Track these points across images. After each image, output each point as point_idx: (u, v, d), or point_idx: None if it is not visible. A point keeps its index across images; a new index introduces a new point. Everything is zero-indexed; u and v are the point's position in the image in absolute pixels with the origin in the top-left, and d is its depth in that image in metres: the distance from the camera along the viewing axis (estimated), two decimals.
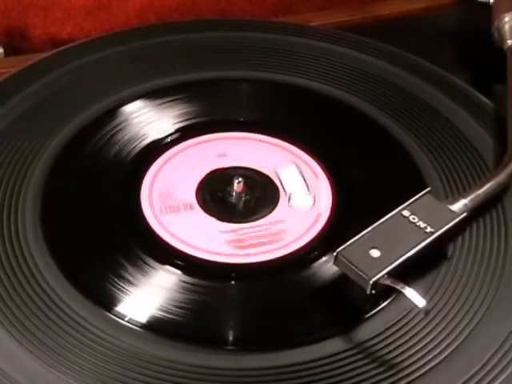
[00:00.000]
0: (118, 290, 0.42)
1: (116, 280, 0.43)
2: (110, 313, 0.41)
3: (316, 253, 0.45)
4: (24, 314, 0.40)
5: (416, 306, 0.38)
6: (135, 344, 0.40)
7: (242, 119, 0.54)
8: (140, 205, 0.47)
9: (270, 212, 0.48)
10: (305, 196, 0.48)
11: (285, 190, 0.49)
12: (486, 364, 0.39)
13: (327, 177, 0.50)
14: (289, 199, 0.48)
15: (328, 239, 0.46)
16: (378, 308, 0.42)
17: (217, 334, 0.41)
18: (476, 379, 0.39)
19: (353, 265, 0.40)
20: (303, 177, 0.49)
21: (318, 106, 0.55)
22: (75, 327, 0.40)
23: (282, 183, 0.49)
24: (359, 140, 0.53)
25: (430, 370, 0.39)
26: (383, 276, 0.40)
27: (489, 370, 0.39)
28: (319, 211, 0.48)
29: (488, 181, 0.46)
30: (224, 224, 0.47)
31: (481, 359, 0.39)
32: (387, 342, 0.40)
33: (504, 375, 0.39)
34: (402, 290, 0.39)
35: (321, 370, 0.39)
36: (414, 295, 0.38)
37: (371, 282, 0.39)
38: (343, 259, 0.40)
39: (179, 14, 0.70)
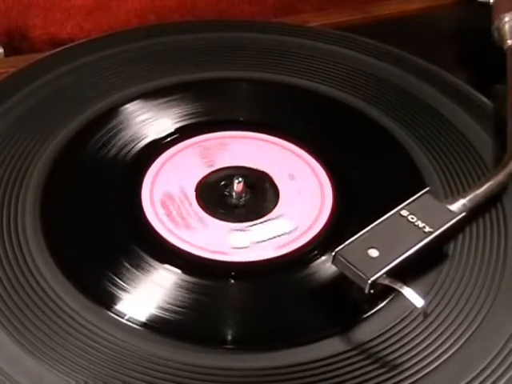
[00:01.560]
0: (118, 288, 0.42)
1: (115, 279, 0.43)
2: (110, 311, 0.41)
3: (316, 252, 0.45)
4: (23, 313, 0.40)
5: (414, 305, 0.38)
6: (135, 343, 0.40)
7: (241, 119, 0.54)
8: (140, 204, 0.47)
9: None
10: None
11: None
12: (487, 366, 0.39)
13: (327, 176, 0.50)
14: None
15: (328, 239, 0.46)
16: (378, 308, 0.42)
17: (216, 334, 0.41)
18: (477, 381, 0.38)
19: (351, 264, 0.40)
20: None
21: (317, 106, 0.55)
22: (74, 326, 0.40)
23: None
24: (359, 140, 0.53)
25: (430, 371, 0.39)
26: (382, 276, 0.40)
27: (490, 372, 0.39)
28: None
29: (487, 181, 0.46)
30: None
31: (482, 361, 0.39)
32: (387, 342, 0.40)
33: (506, 377, 0.39)
34: (401, 290, 0.39)
35: (321, 370, 0.39)
36: (412, 295, 0.38)
37: (369, 282, 0.39)
38: (341, 259, 0.40)
39: (179, 14, 0.70)
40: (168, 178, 0.49)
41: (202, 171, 0.50)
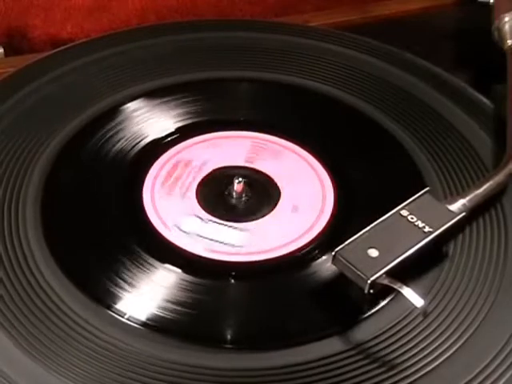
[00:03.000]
0: (118, 287, 0.42)
1: (116, 278, 0.43)
2: (110, 310, 0.41)
3: (316, 252, 0.45)
4: (23, 314, 0.40)
5: (414, 305, 0.38)
6: (134, 342, 0.40)
7: (242, 119, 0.54)
8: (141, 203, 0.47)
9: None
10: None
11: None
12: (487, 366, 0.39)
13: (328, 177, 0.50)
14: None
15: (329, 238, 0.46)
16: (378, 308, 0.42)
17: (216, 333, 0.41)
18: (477, 381, 0.38)
19: (351, 264, 0.40)
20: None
21: (318, 106, 0.55)
22: (74, 326, 0.40)
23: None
24: (359, 140, 0.53)
25: (430, 371, 0.39)
26: (381, 276, 0.40)
27: (490, 372, 0.39)
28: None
29: (487, 181, 0.46)
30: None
31: (482, 361, 0.39)
32: (387, 342, 0.40)
33: (506, 377, 0.39)
34: (400, 290, 0.39)
35: (321, 370, 0.39)
36: (411, 295, 0.38)
37: (369, 282, 0.39)
38: (341, 259, 0.40)
39: (179, 14, 0.70)
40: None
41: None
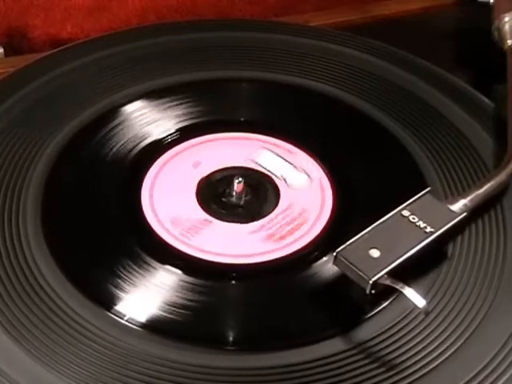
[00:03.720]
0: (118, 289, 0.42)
1: (116, 279, 0.43)
2: (110, 312, 0.41)
3: (317, 253, 0.45)
4: (23, 314, 0.40)
5: (416, 305, 0.38)
6: (134, 343, 0.40)
7: (242, 119, 0.54)
8: (141, 204, 0.47)
9: (278, 202, 0.48)
10: (296, 174, 0.48)
11: (276, 175, 0.49)
12: (487, 365, 0.39)
13: (327, 176, 0.50)
14: (285, 181, 0.48)
15: (329, 239, 0.46)
16: (379, 308, 0.42)
17: (217, 334, 0.41)
18: (477, 381, 0.38)
19: (352, 265, 0.40)
20: (282, 158, 0.50)
21: (318, 106, 0.55)
22: (74, 326, 0.40)
23: (269, 171, 0.49)
24: (359, 140, 0.53)
25: (430, 371, 0.39)
26: (383, 276, 0.40)
27: (490, 371, 0.39)
28: (321, 189, 0.48)
29: (488, 181, 0.46)
30: (230, 224, 0.47)
31: (482, 360, 0.39)
32: (387, 342, 0.40)
33: (505, 376, 0.39)
34: (402, 290, 0.39)
35: (321, 369, 0.39)
36: (413, 295, 0.38)
37: (371, 282, 0.39)
38: (343, 259, 0.40)
39: (179, 14, 0.70)
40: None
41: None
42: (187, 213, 0.47)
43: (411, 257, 0.41)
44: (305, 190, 0.49)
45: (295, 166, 0.49)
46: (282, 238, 0.46)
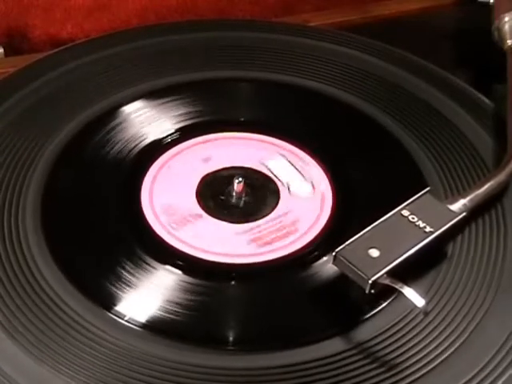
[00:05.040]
0: (118, 289, 0.42)
1: (116, 279, 0.43)
2: (110, 312, 0.41)
3: (317, 253, 0.45)
4: (23, 314, 0.40)
5: (415, 305, 0.38)
6: (135, 343, 0.40)
7: (242, 119, 0.54)
8: (140, 204, 0.47)
9: (276, 206, 0.48)
10: (302, 183, 0.48)
11: (281, 181, 0.49)
12: (486, 365, 0.39)
13: (327, 176, 0.50)
14: (288, 189, 0.48)
15: (328, 239, 0.46)
16: (379, 308, 0.42)
17: (217, 334, 0.41)
18: (477, 380, 0.39)
19: (352, 264, 0.40)
20: (294, 166, 0.50)
21: (317, 106, 0.55)
22: (74, 327, 0.40)
23: (275, 175, 0.49)
24: (359, 140, 0.53)
25: (430, 370, 0.39)
26: (382, 276, 0.40)
27: (490, 370, 0.39)
28: (322, 201, 0.48)
29: (487, 181, 0.46)
30: (230, 224, 0.47)
31: (481, 360, 0.39)
32: (387, 342, 0.40)
33: (505, 376, 0.39)
34: (401, 290, 0.39)
35: (321, 369, 0.39)
36: (413, 295, 0.38)
37: (370, 282, 0.39)
38: (342, 259, 0.40)
39: (179, 13, 0.70)
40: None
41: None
42: (181, 204, 0.47)
43: (411, 256, 0.41)
44: (306, 199, 0.48)
45: (304, 176, 0.49)
46: (267, 243, 0.46)
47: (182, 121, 0.53)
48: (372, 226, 0.42)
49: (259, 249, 0.45)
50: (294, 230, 0.46)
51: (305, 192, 0.48)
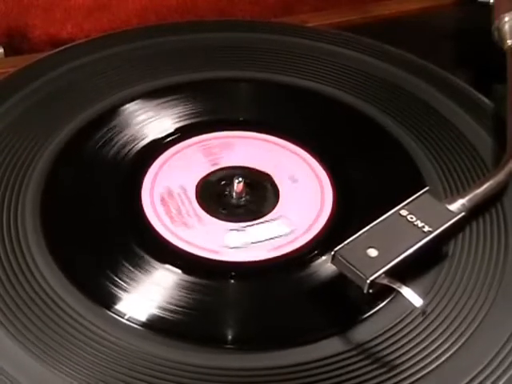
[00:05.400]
0: (118, 288, 0.42)
1: (116, 278, 0.43)
2: (110, 311, 0.41)
3: (316, 252, 0.45)
4: (24, 313, 0.40)
5: (413, 305, 0.38)
6: (135, 343, 0.40)
7: (241, 119, 0.54)
8: (140, 204, 0.47)
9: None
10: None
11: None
12: (487, 366, 0.39)
13: (327, 176, 0.50)
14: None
15: (328, 238, 0.46)
16: (379, 308, 0.42)
17: (216, 334, 0.41)
18: (478, 381, 0.38)
19: (350, 264, 0.40)
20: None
21: (318, 106, 0.55)
22: (74, 325, 0.40)
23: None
24: (359, 140, 0.53)
25: (431, 371, 0.39)
26: (381, 275, 0.40)
27: (490, 371, 0.39)
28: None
29: (487, 180, 0.46)
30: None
31: (482, 360, 0.39)
32: (387, 342, 0.40)
33: (506, 377, 0.39)
34: (399, 290, 0.39)
35: (321, 370, 0.39)
36: (411, 295, 0.38)
37: (368, 282, 0.39)
38: (340, 258, 0.40)
39: (179, 13, 0.70)
40: (168, 178, 0.49)
41: (201, 171, 0.50)
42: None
43: (409, 256, 0.41)
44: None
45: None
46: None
47: (182, 120, 0.53)
48: (370, 225, 0.42)
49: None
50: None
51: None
